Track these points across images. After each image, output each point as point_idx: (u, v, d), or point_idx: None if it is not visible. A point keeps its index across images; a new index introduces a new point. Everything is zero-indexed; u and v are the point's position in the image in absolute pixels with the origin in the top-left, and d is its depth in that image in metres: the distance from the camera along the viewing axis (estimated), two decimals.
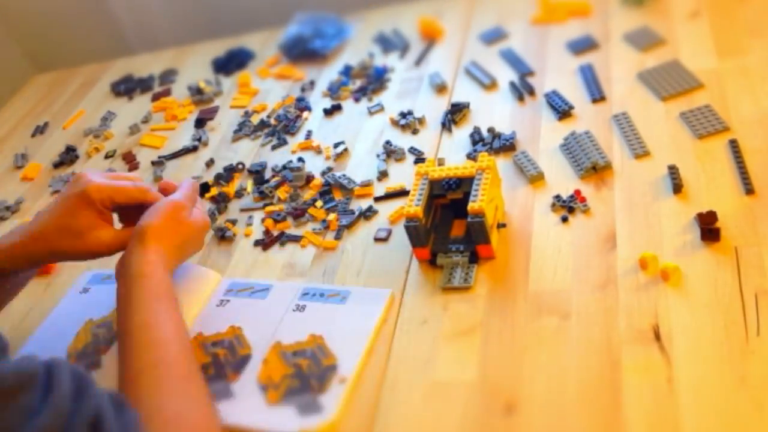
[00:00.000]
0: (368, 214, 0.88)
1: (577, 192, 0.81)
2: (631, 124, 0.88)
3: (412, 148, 0.97)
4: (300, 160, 1.00)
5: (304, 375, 0.70)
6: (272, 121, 1.11)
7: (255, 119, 1.13)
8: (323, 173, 0.97)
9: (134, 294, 0.68)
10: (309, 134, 1.06)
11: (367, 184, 0.92)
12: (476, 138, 0.94)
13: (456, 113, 1.00)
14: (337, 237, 0.86)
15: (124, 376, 0.64)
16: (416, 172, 0.81)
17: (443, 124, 0.99)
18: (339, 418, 0.66)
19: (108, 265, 0.83)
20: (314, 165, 0.99)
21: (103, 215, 0.75)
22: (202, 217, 0.79)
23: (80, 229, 0.73)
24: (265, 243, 0.88)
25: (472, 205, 0.74)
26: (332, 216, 0.89)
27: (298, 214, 0.90)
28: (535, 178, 0.85)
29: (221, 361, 0.74)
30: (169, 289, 0.71)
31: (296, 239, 0.88)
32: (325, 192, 0.94)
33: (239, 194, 0.98)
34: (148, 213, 0.75)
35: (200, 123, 1.16)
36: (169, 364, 0.64)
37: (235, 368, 0.73)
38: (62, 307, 0.87)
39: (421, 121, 1.02)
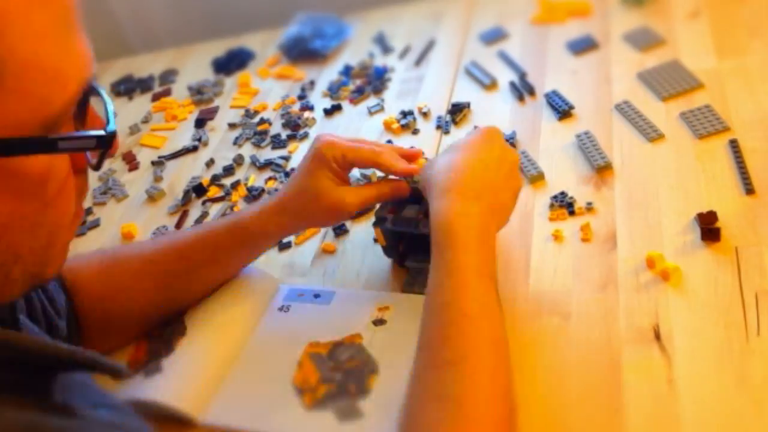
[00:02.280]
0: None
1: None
2: (636, 111, 0.89)
3: (411, 148, 0.97)
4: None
5: (341, 378, 0.67)
6: (275, 120, 1.11)
7: (255, 119, 1.13)
8: None
9: (453, 264, 0.60)
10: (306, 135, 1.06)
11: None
12: None
13: (456, 113, 1.00)
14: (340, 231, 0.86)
15: (426, 363, 0.58)
16: None
17: (439, 127, 0.99)
18: None
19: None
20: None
21: (339, 174, 0.72)
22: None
23: (318, 190, 0.71)
24: None
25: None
26: None
27: None
28: (535, 178, 0.85)
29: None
30: (494, 263, 0.63)
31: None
32: None
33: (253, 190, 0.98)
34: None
35: (200, 123, 1.16)
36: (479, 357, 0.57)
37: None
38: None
39: (426, 114, 1.02)
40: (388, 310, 0.73)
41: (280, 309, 0.77)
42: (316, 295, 0.78)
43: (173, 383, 0.68)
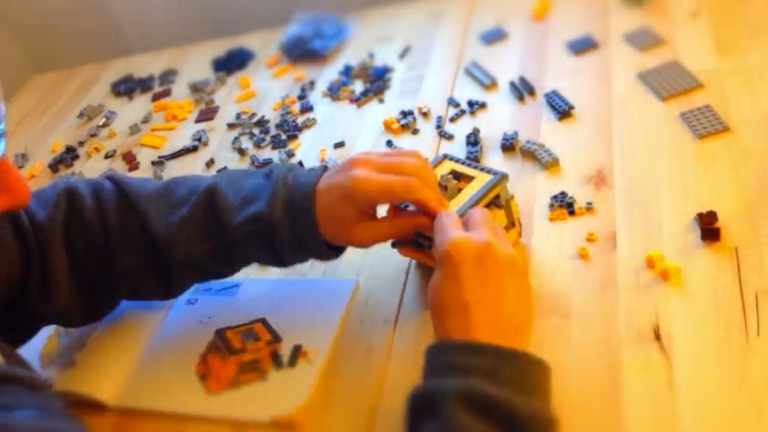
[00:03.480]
0: None
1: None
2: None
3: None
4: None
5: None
6: (272, 121, 1.11)
7: (254, 119, 1.13)
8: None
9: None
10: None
11: None
12: (472, 140, 0.94)
13: (460, 115, 1.00)
14: None
15: None
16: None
17: (439, 126, 0.99)
18: (312, 400, 0.69)
19: None
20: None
21: (366, 211, 0.69)
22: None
23: (342, 220, 0.68)
24: None
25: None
26: None
27: None
28: (550, 164, 0.86)
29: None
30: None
31: None
32: None
33: None
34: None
35: (200, 123, 1.16)
36: None
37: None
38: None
39: (426, 114, 1.02)
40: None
41: (188, 302, 0.82)
42: (222, 289, 0.83)
43: (87, 374, 0.76)
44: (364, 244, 0.70)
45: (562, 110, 0.93)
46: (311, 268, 0.83)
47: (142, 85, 1.33)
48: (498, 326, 0.58)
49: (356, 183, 0.66)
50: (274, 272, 0.84)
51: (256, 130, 1.11)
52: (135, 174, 1.09)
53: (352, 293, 0.78)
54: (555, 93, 0.97)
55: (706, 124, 0.84)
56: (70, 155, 1.18)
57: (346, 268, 0.82)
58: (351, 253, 0.83)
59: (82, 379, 0.76)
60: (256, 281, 0.84)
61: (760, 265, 0.67)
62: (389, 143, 0.99)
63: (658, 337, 0.64)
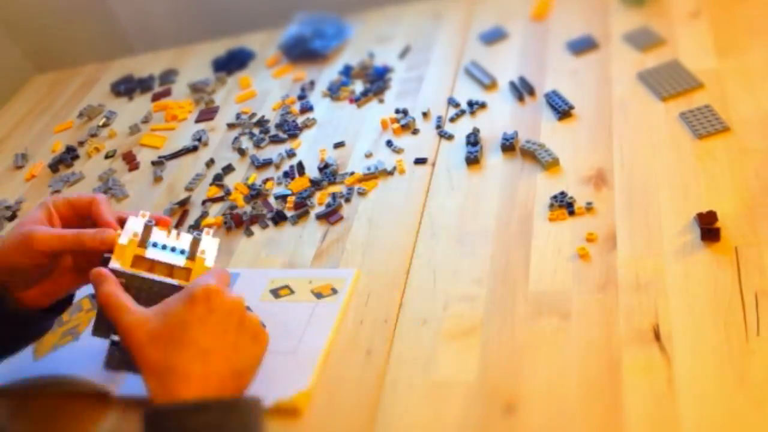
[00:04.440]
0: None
1: None
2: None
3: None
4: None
5: None
6: (272, 121, 1.11)
7: (254, 119, 1.13)
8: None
9: None
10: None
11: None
12: (472, 140, 0.94)
13: (460, 115, 1.00)
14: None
15: None
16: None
17: (439, 126, 0.99)
18: (314, 386, 0.70)
19: None
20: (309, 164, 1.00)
21: (42, 259, 0.66)
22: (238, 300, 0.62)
23: (20, 268, 0.66)
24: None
25: None
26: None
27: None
28: (550, 164, 0.86)
29: None
30: None
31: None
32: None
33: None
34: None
35: (200, 123, 1.16)
36: None
37: None
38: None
39: (426, 114, 1.02)
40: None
41: None
42: None
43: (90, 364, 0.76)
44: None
45: (562, 110, 0.93)
46: (311, 267, 0.84)
47: (142, 85, 1.33)
48: (220, 377, 0.59)
49: (35, 234, 0.65)
50: (273, 264, 0.84)
51: (256, 130, 1.11)
52: (135, 174, 1.10)
53: (353, 281, 0.79)
54: (555, 93, 0.97)
55: (706, 124, 0.84)
56: (70, 155, 1.18)
57: (347, 268, 0.82)
58: (350, 252, 0.84)
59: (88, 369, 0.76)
60: (253, 272, 0.85)
61: (760, 265, 0.67)
62: (389, 143, 0.99)
63: (658, 337, 0.64)
